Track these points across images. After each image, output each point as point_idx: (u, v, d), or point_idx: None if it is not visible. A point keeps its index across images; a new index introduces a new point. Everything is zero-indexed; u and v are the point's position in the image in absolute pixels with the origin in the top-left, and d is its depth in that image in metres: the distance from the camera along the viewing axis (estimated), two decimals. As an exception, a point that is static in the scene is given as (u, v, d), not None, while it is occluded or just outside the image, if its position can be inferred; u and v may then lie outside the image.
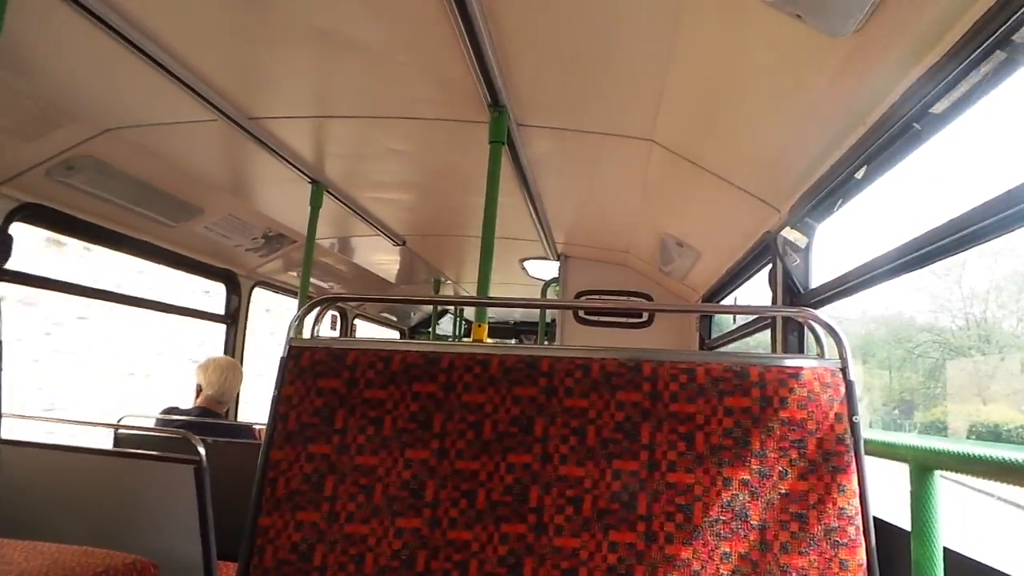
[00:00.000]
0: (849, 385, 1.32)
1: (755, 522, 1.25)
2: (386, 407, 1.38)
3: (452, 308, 7.20)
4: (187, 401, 3.31)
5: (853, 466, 1.27)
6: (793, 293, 2.32)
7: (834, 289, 2.06)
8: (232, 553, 1.39)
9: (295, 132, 2.66)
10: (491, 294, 2.52)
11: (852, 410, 1.30)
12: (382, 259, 4.96)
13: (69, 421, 2.40)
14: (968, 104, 1.39)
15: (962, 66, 1.26)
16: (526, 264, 4.92)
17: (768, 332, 2.62)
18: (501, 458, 1.33)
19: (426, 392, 1.39)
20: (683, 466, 1.30)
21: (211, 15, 1.85)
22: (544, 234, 3.91)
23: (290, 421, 1.39)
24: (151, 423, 3.14)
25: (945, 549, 1.18)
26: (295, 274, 4.48)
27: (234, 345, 4.17)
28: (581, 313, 4.55)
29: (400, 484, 1.33)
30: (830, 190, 1.99)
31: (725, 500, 1.27)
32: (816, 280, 2.28)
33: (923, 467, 1.21)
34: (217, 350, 4.11)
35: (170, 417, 3.08)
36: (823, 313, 1.42)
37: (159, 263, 3.59)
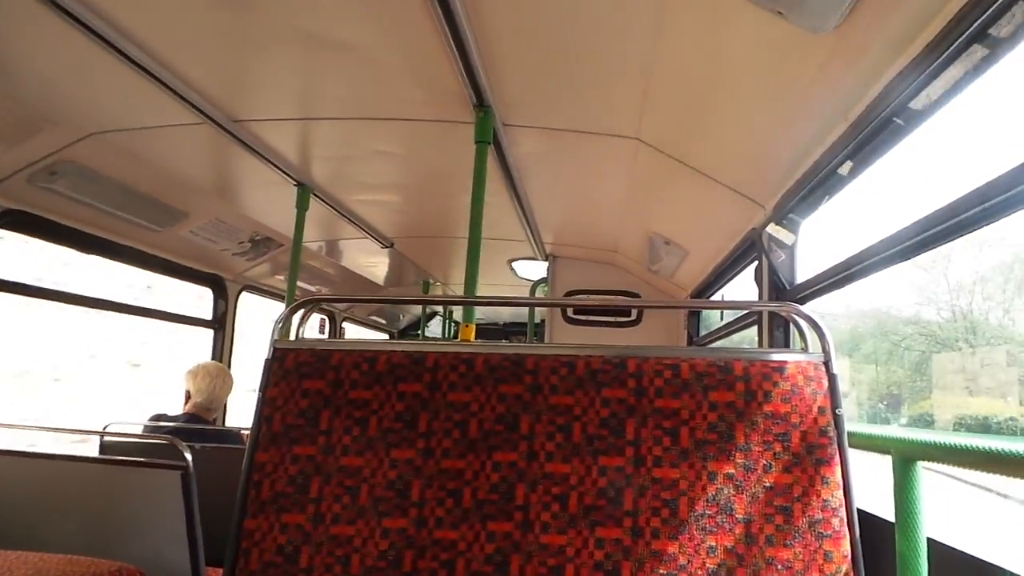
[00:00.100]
0: (832, 378, 1.33)
1: (740, 516, 1.26)
2: (371, 407, 1.38)
3: (441, 310, 7.18)
4: (133, 410, 3.26)
5: (837, 458, 1.28)
6: (779, 289, 2.34)
7: (819, 284, 2.08)
8: (220, 559, 1.38)
9: (280, 135, 2.65)
10: (479, 295, 2.52)
11: (835, 403, 1.31)
12: (370, 262, 4.95)
13: (54, 429, 2.37)
14: (949, 98, 1.40)
15: (940, 59, 1.27)
16: (515, 265, 4.92)
17: (756, 330, 2.63)
18: (487, 456, 1.33)
19: (411, 392, 1.38)
20: (668, 461, 1.30)
21: (194, 18, 1.84)
22: (532, 234, 3.91)
23: (275, 423, 1.39)
24: (139, 430, 3.11)
25: (929, 540, 1.19)
26: (283, 278, 4.46)
27: (222, 350, 4.15)
28: (570, 313, 4.55)
29: (386, 484, 1.33)
30: (814, 186, 2.00)
31: (710, 494, 1.28)
32: (802, 276, 2.30)
33: (906, 458, 1.22)
34: (161, 350, 4.05)
35: (157, 424, 3.05)
36: (809, 309, 1.43)
37: (145, 269, 3.57)
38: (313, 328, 6.25)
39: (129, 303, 3.69)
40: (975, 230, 1.38)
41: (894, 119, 1.54)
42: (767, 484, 1.27)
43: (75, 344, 7.40)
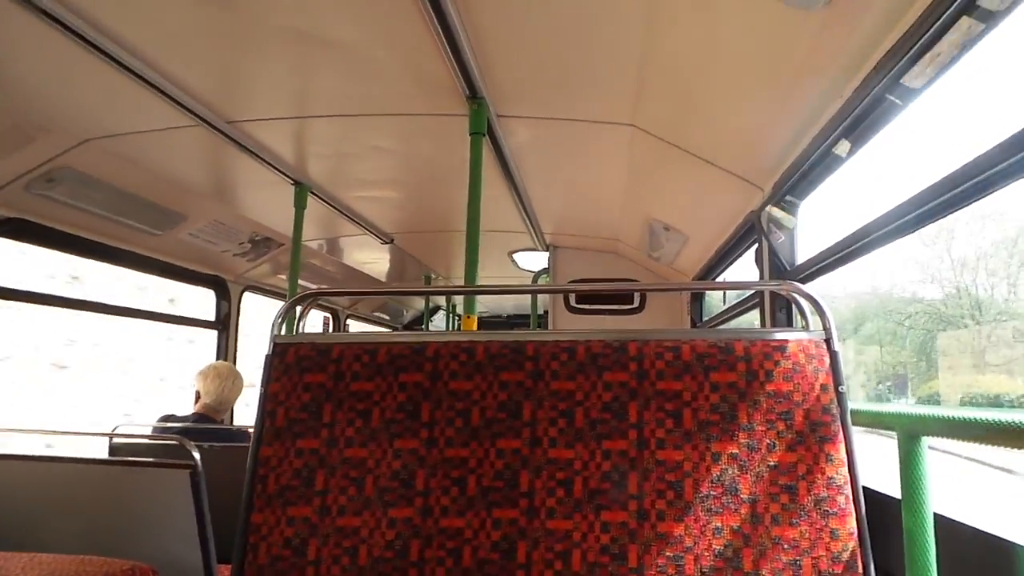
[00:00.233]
0: (834, 355, 1.33)
1: (745, 496, 1.26)
2: (373, 399, 1.38)
3: (444, 304, 7.20)
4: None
5: (840, 435, 1.28)
6: (780, 271, 2.33)
7: (820, 264, 2.07)
8: (231, 556, 1.40)
9: (275, 134, 2.65)
10: (480, 284, 2.52)
11: (838, 380, 1.31)
12: (371, 258, 4.95)
13: (64, 432, 2.39)
14: (941, 72, 1.39)
15: (930, 33, 1.27)
16: (515, 256, 4.92)
17: (758, 313, 2.63)
18: (490, 444, 1.34)
19: (413, 382, 1.39)
20: (672, 443, 1.31)
21: (184, 20, 1.84)
22: (531, 225, 3.91)
23: (278, 418, 1.39)
24: (148, 431, 3.13)
25: (936, 515, 1.19)
26: (284, 277, 4.47)
27: (226, 350, 4.16)
28: (572, 302, 4.55)
29: (390, 475, 1.34)
30: (811, 166, 2.00)
31: (715, 475, 1.28)
32: (802, 257, 2.29)
33: (910, 434, 1.22)
34: (97, 350, 4.01)
35: (166, 424, 3.07)
36: (811, 290, 1.43)
37: (147, 272, 3.58)
38: (317, 327, 6.26)
39: (130, 307, 3.70)
40: (975, 201, 1.38)
41: (888, 96, 1.53)
42: (771, 463, 1.28)
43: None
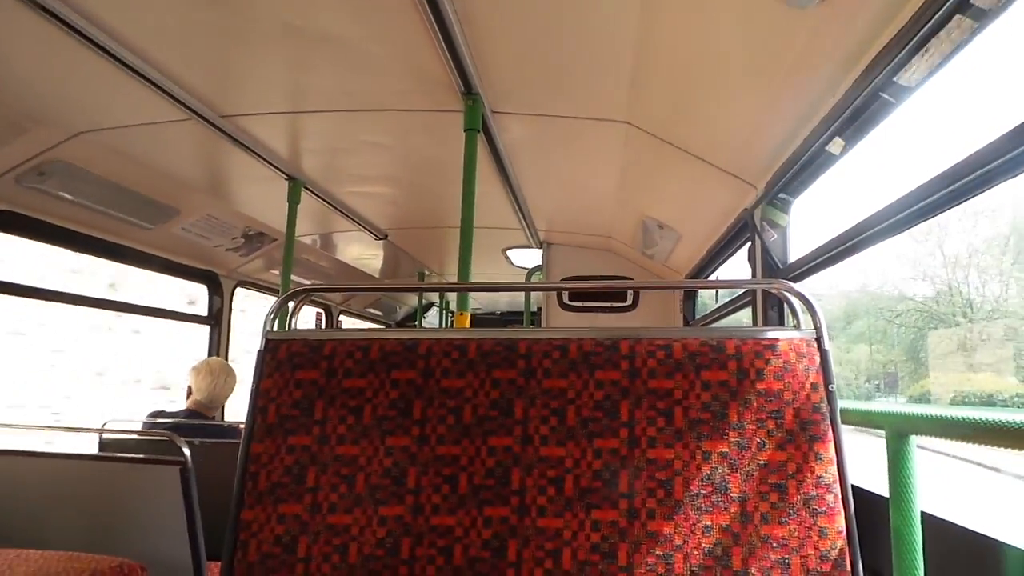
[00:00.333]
0: (824, 354, 1.33)
1: (735, 494, 1.27)
2: (365, 396, 1.38)
3: (438, 301, 7.19)
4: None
5: (830, 434, 1.29)
6: (772, 269, 2.34)
7: (812, 262, 2.08)
8: (221, 552, 1.39)
9: (269, 128, 2.63)
10: (473, 282, 2.52)
11: (828, 379, 1.32)
12: (365, 254, 4.94)
13: (53, 428, 2.38)
14: (935, 71, 1.40)
15: (924, 31, 1.27)
16: (509, 253, 4.92)
17: (751, 311, 2.64)
18: (482, 442, 1.34)
19: (405, 379, 1.39)
20: (663, 442, 1.31)
21: (177, 13, 1.82)
22: (525, 221, 3.91)
23: (269, 414, 1.39)
24: (137, 427, 3.11)
25: (923, 514, 1.20)
26: (277, 272, 4.46)
27: (218, 346, 4.15)
28: (566, 299, 4.56)
29: (382, 472, 1.33)
30: (805, 164, 2.00)
31: (705, 474, 1.28)
32: (795, 255, 2.30)
33: (899, 433, 1.22)
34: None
35: (156, 420, 3.06)
36: (804, 289, 1.43)
37: (139, 267, 3.56)
38: (310, 324, 6.24)
39: (124, 301, 3.69)
40: (967, 200, 1.38)
41: (882, 94, 1.54)
42: (761, 462, 1.28)
43: None
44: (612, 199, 3.47)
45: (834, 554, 1.23)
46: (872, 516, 1.34)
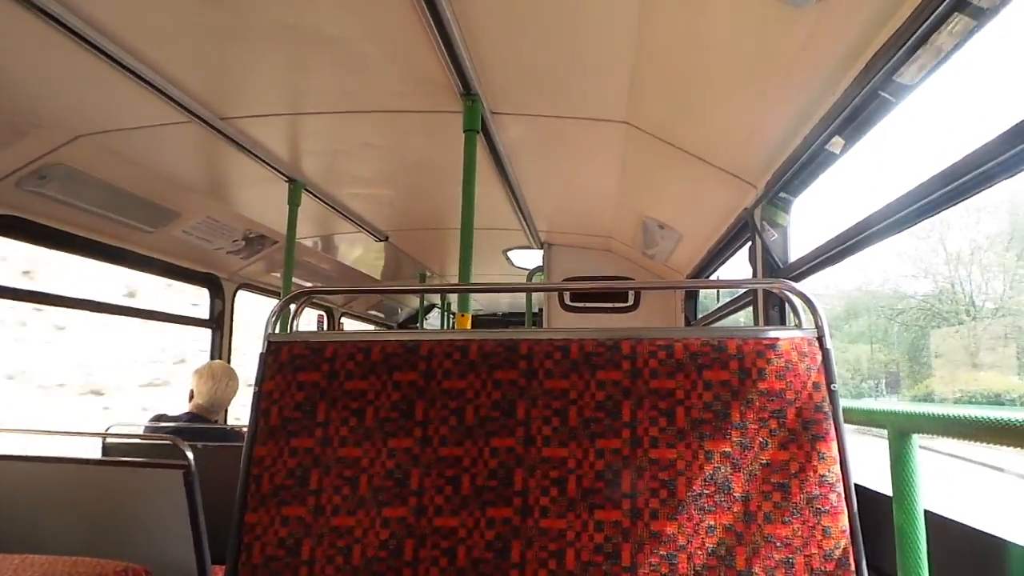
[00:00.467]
0: (826, 353, 1.33)
1: (738, 494, 1.26)
2: (367, 398, 1.38)
3: (439, 303, 7.19)
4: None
5: (832, 433, 1.29)
6: (773, 269, 2.34)
7: (813, 261, 2.08)
8: (225, 556, 1.39)
9: (269, 131, 2.64)
10: (474, 283, 2.52)
11: (830, 378, 1.31)
12: (366, 256, 4.94)
13: (56, 432, 2.38)
14: (934, 69, 1.40)
15: (922, 29, 1.27)
16: (510, 254, 4.92)
17: (752, 311, 2.64)
18: (484, 443, 1.34)
19: (407, 381, 1.39)
20: (665, 442, 1.31)
21: (177, 16, 1.83)
22: (526, 222, 3.91)
23: (272, 417, 1.39)
24: (140, 431, 3.11)
25: (926, 512, 1.20)
26: (279, 275, 4.46)
27: (220, 349, 4.15)
28: (567, 300, 4.56)
29: (384, 474, 1.33)
30: (805, 163, 2.00)
31: (708, 473, 1.28)
32: (796, 255, 2.30)
33: (902, 432, 1.22)
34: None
35: (158, 424, 3.06)
36: (805, 288, 1.43)
37: (140, 270, 3.56)
38: (311, 325, 6.24)
39: (125, 305, 3.68)
40: (968, 197, 1.38)
41: (881, 92, 1.53)
42: (763, 461, 1.28)
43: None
44: (612, 199, 3.47)
45: (838, 553, 1.22)
46: (875, 515, 1.34)
